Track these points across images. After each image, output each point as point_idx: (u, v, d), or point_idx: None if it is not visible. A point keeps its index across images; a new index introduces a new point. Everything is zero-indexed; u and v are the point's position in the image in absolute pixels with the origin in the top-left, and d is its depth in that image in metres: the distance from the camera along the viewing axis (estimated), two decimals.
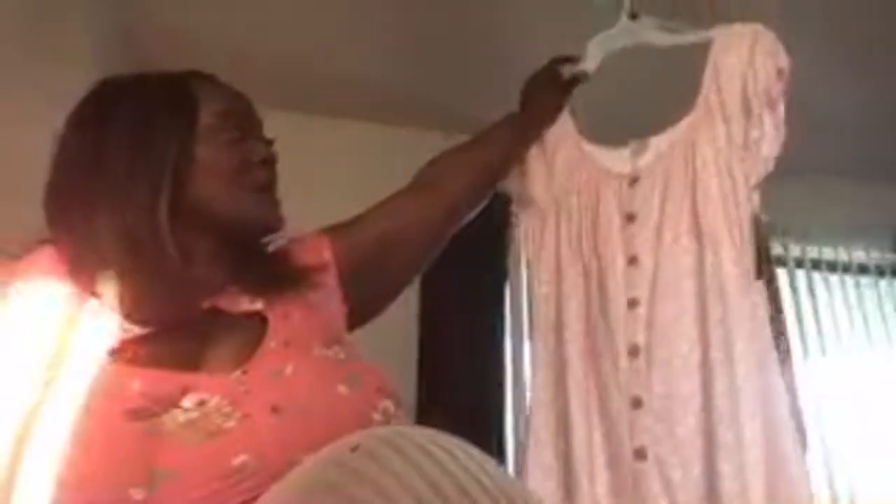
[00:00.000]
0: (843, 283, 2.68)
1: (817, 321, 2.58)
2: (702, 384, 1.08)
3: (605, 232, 1.20)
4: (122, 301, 0.80)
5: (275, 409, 0.74)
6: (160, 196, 0.83)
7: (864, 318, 2.64)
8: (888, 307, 2.69)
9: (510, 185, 1.32)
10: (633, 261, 1.17)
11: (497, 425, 2.10)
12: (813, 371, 2.46)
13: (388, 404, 0.79)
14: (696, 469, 1.05)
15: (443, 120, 2.25)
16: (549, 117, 1.31)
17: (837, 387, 2.47)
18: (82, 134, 0.89)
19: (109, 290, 0.81)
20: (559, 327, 1.21)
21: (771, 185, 2.47)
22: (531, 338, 1.28)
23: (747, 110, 1.16)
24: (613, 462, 1.11)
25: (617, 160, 1.25)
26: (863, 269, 2.72)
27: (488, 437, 2.00)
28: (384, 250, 1.05)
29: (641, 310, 1.14)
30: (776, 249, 2.56)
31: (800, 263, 2.65)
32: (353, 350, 0.87)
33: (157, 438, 0.70)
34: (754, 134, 1.15)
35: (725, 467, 1.03)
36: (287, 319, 0.86)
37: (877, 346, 2.62)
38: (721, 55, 1.19)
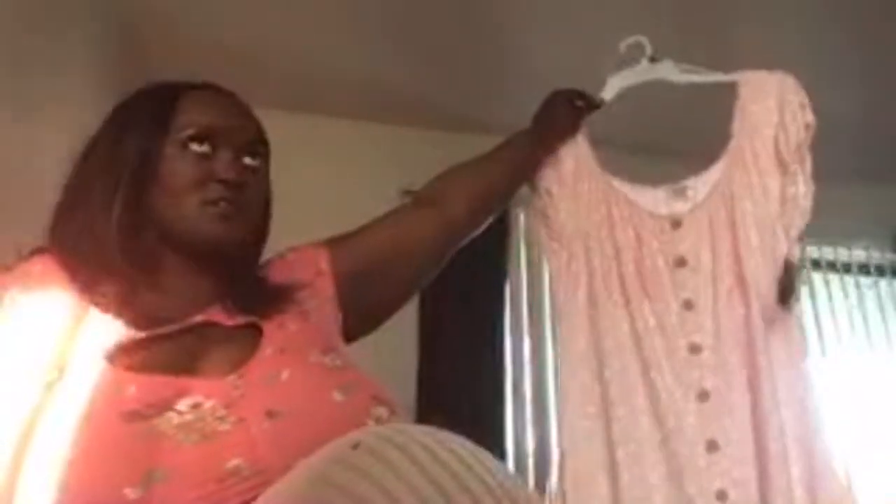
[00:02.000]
0: (843, 283, 2.68)
1: (817, 321, 2.58)
2: (753, 429, 1.11)
3: (651, 273, 1.20)
4: (112, 305, 0.81)
5: (270, 414, 0.74)
6: (114, 201, 0.85)
7: (865, 318, 2.64)
8: (888, 307, 2.70)
9: (536, 220, 1.31)
10: (687, 305, 1.18)
11: (497, 425, 2.11)
12: (813, 370, 2.45)
13: (381, 411, 0.79)
14: None
15: (443, 120, 2.25)
16: (561, 138, 1.29)
17: (837, 387, 2.47)
18: (86, 142, 0.92)
19: (103, 295, 0.82)
20: (597, 365, 1.19)
21: None
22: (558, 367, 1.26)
23: (782, 166, 1.19)
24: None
25: (653, 201, 1.25)
26: (863, 269, 2.72)
27: (488, 436, 2.00)
28: (383, 264, 1.04)
29: (706, 355, 1.15)
30: None
31: (800, 263, 2.65)
32: (349, 359, 0.87)
33: (152, 440, 0.71)
34: (791, 190, 1.20)
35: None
36: (282, 329, 0.86)
37: (877, 346, 2.62)
38: (750, 105, 1.22)
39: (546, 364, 2.23)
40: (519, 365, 2.24)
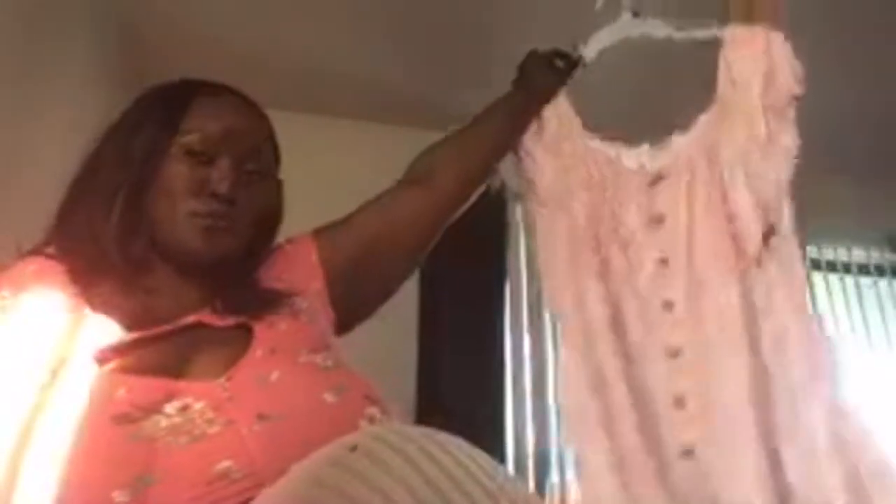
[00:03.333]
0: (842, 283, 2.68)
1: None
2: (749, 379, 1.08)
3: (629, 231, 1.20)
4: (106, 306, 0.82)
5: (260, 416, 0.74)
6: (116, 199, 0.85)
7: (864, 319, 2.64)
8: (888, 307, 2.69)
9: (511, 173, 1.30)
10: (663, 262, 1.17)
11: (497, 424, 2.10)
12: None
13: (374, 411, 0.79)
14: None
15: (443, 119, 2.25)
16: (545, 99, 1.28)
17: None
18: (96, 139, 0.92)
19: (98, 295, 0.82)
20: (581, 319, 1.19)
21: None
22: (535, 326, 1.28)
23: (768, 107, 1.17)
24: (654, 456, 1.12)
25: (634, 159, 1.24)
26: (863, 270, 2.72)
27: (487, 436, 2.00)
28: (374, 251, 1.04)
29: (678, 312, 1.14)
30: None
31: None
32: (341, 358, 0.87)
33: (140, 443, 0.70)
34: (775, 128, 1.16)
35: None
36: (273, 328, 0.86)
37: (876, 347, 2.62)
38: (734, 54, 1.20)
39: (546, 362, 2.23)
40: (519, 363, 2.24)
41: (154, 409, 0.73)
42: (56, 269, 0.84)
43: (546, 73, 1.27)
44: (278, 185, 0.99)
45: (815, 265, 2.66)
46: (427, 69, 2.18)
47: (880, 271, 2.73)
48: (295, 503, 0.59)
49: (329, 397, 0.78)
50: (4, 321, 0.80)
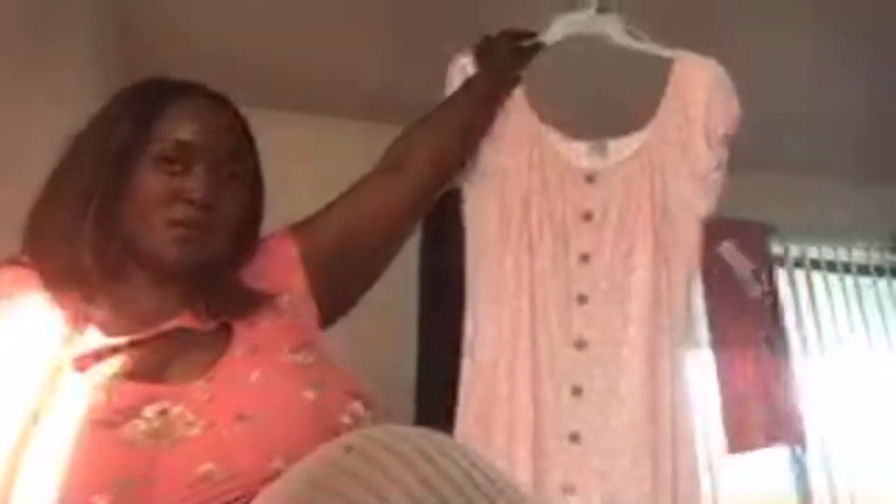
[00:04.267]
0: (842, 283, 2.68)
1: (817, 321, 2.58)
2: (641, 384, 1.15)
3: (557, 221, 1.23)
4: (83, 313, 0.80)
5: (240, 417, 0.73)
6: (89, 206, 0.84)
7: (864, 319, 2.64)
8: (888, 307, 2.69)
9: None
10: (584, 258, 1.21)
11: None
12: (813, 371, 2.45)
13: (356, 406, 0.78)
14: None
15: None
16: (511, 81, 1.28)
17: (837, 387, 2.47)
18: (69, 142, 0.91)
19: (74, 302, 0.81)
20: (498, 299, 1.23)
21: (771, 186, 2.47)
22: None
23: (709, 145, 1.21)
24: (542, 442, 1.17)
25: (574, 153, 1.27)
26: (862, 270, 2.71)
27: None
28: (352, 240, 1.02)
29: (589, 307, 1.19)
30: (776, 249, 2.57)
31: (799, 263, 2.65)
32: (323, 353, 0.86)
33: (119, 448, 0.70)
34: (712, 167, 1.21)
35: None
36: (254, 327, 0.85)
37: (876, 346, 2.62)
38: (684, 81, 1.24)
39: None
40: None
41: (133, 413, 0.72)
42: (31, 276, 0.83)
43: (505, 56, 1.28)
44: (258, 183, 0.97)
45: (815, 265, 2.66)
46: (427, 69, 2.18)
47: (880, 271, 2.73)
48: (290, 502, 0.59)
49: (309, 394, 0.77)
50: (8, 328, 0.80)
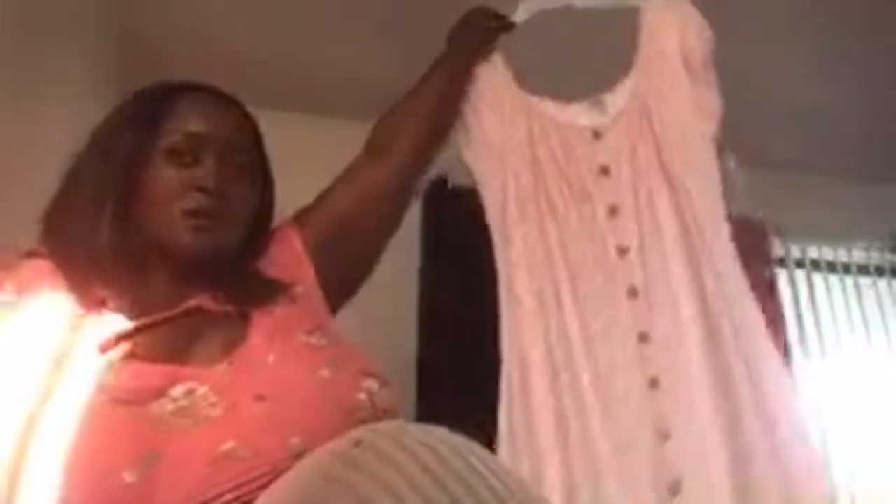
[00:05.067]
0: (842, 283, 2.68)
1: (817, 322, 2.58)
2: (696, 316, 1.16)
3: (576, 181, 1.25)
4: (104, 303, 0.83)
5: (259, 398, 0.76)
6: (104, 205, 0.86)
7: (864, 319, 2.64)
8: (888, 307, 2.69)
9: (458, 135, 1.32)
10: (613, 210, 1.23)
11: (496, 426, 2.10)
12: (813, 371, 2.45)
13: (371, 384, 0.80)
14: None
15: None
16: (478, 54, 1.32)
17: (837, 387, 2.47)
18: (82, 144, 0.93)
19: (95, 293, 0.84)
20: (536, 270, 1.24)
21: (771, 186, 2.48)
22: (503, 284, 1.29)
23: (691, 69, 1.26)
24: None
25: (574, 114, 1.30)
26: (863, 270, 2.71)
27: (486, 438, 1.99)
28: (349, 225, 1.05)
29: (632, 256, 1.21)
30: (776, 250, 2.57)
31: (800, 264, 2.65)
32: (336, 336, 0.89)
33: (147, 425, 0.72)
34: (701, 88, 1.25)
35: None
36: (269, 315, 0.87)
37: (876, 347, 2.62)
38: (655, 25, 1.29)
39: None
40: None
41: (160, 392, 0.75)
42: (51, 268, 0.86)
43: (476, 32, 1.32)
44: (269, 181, 1.00)
45: (815, 265, 2.66)
46: (424, 70, 2.18)
47: (880, 271, 2.73)
48: (300, 497, 0.60)
49: (325, 373, 0.79)
50: (9, 318, 0.82)
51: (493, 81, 1.31)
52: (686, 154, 1.22)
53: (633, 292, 1.19)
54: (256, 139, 0.98)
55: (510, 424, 1.20)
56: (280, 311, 0.88)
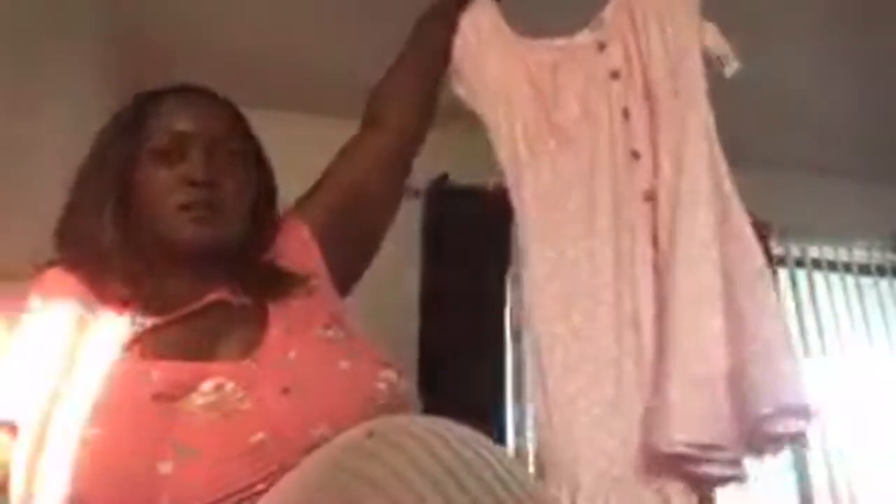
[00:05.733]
0: (843, 282, 2.67)
1: (818, 321, 2.58)
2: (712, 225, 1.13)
3: (590, 89, 1.25)
4: (121, 302, 0.86)
5: (284, 391, 0.78)
6: (104, 209, 0.89)
7: (865, 318, 2.64)
8: (889, 307, 2.69)
9: (458, 75, 1.31)
10: (626, 113, 1.23)
11: (497, 424, 2.11)
12: (813, 371, 2.45)
13: (389, 374, 0.83)
14: None
15: (444, 119, 2.25)
16: (464, 7, 1.30)
17: (838, 386, 2.47)
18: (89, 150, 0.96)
19: (112, 293, 0.86)
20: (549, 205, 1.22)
21: (772, 185, 2.47)
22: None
23: None
24: None
25: (576, 38, 1.31)
26: (864, 269, 2.71)
27: (489, 435, 1.99)
28: (353, 200, 1.06)
29: (644, 160, 1.21)
30: (777, 249, 2.57)
31: (801, 263, 2.65)
32: (352, 328, 0.91)
33: (179, 419, 0.75)
34: None
35: None
36: (286, 308, 0.89)
37: (877, 346, 2.62)
38: None
39: None
40: (519, 362, 2.23)
41: (190, 388, 0.77)
42: (70, 278, 0.88)
43: None
44: (264, 165, 1.00)
45: (816, 265, 2.66)
46: None
47: (881, 271, 2.73)
48: (314, 486, 0.61)
49: (344, 365, 0.82)
50: (37, 324, 0.86)
51: (484, 22, 1.30)
52: (668, 50, 1.22)
53: (648, 196, 1.18)
54: (243, 127, 0.99)
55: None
56: (297, 304, 0.91)
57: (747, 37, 2.06)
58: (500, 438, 2.08)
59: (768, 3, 2.01)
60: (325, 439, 0.72)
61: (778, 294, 2.41)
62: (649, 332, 1.11)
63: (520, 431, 2.15)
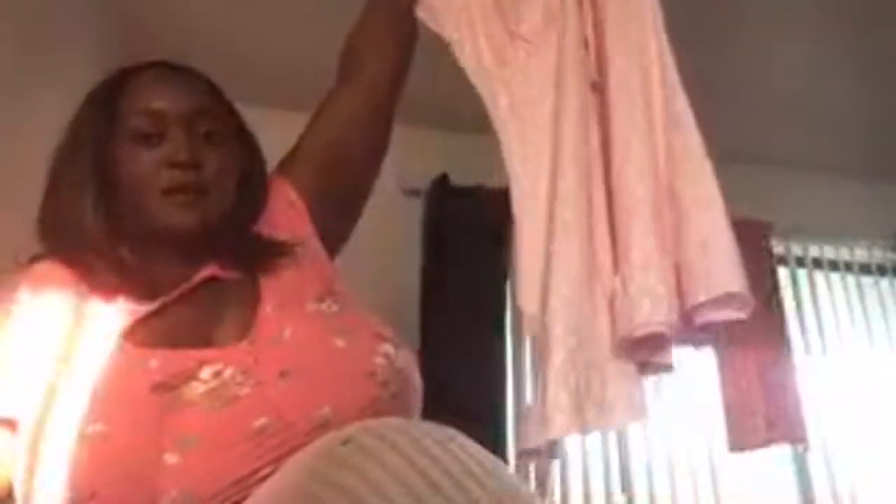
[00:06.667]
0: (844, 282, 2.67)
1: (819, 320, 2.58)
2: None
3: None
4: (111, 288, 0.84)
5: (283, 374, 0.77)
6: (84, 195, 0.86)
7: (866, 317, 2.64)
8: (890, 306, 2.69)
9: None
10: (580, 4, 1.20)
11: (497, 424, 2.11)
12: (814, 370, 2.45)
13: (387, 348, 0.81)
14: None
15: (447, 119, 2.25)
16: None
17: (838, 386, 2.47)
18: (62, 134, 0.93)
19: (101, 280, 0.85)
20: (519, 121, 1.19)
21: (773, 184, 2.48)
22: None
23: None
24: None
25: None
26: (864, 269, 2.71)
27: (488, 436, 2.00)
28: (337, 156, 1.04)
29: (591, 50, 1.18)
30: (778, 248, 2.56)
31: (801, 262, 2.65)
32: (347, 299, 0.88)
33: (181, 408, 0.74)
34: None
35: None
36: (278, 279, 0.88)
37: (878, 346, 2.62)
38: None
39: None
40: (520, 362, 2.24)
41: (189, 376, 0.76)
42: (58, 269, 0.87)
43: None
44: (248, 138, 0.97)
45: (817, 264, 2.66)
46: (427, 69, 2.18)
47: (882, 270, 2.73)
48: (289, 495, 0.61)
49: (340, 343, 0.80)
50: (24, 316, 0.84)
51: None
52: None
53: (595, 87, 1.15)
54: (225, 105, 0.95)
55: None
56: (288, 275, 0.89)
57: (749, 35, 2.07)
58: (500, 438, 2.09)
59: (769, 2, 2.01)
60: (328, 420, 0.73)
61: (779, 294, 2.45)
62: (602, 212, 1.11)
63: (521, 441, 2.15)
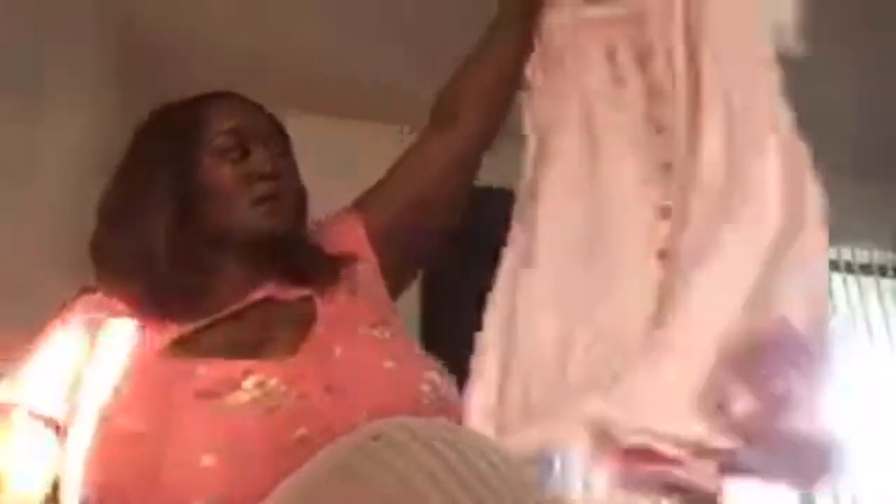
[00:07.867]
0: (845, 282, 2.68)
1: None
2: None
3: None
4: (164, 314, 0.87)
5: (328, 388, 0.79)
6: (160, 223, 0.90)
7: (867, 318, 2.64)
8: (890, 307, 2.69)
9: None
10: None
11: None
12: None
13: (433, 375, 0.84)
14: None
15: None
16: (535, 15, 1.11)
17: (838, 386, 2.47)
18: (116, 169, 0.98)
19: (157, 306, 0.87)
20: None
21: None
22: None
23: None
24: None
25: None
26: (865, 269, 2.71)
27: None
28: (419, 207, 1.05)
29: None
30: None
31: None
32: (398, 329, 0.92)
33: (224, 414, 0.76)
34: None
35: None
36: (333, 304, 0.91)
37: (879, 346, 2.62)
38: None
39: None
40: None
41: (234, 385, 0.78)
42: (109, 301, 0.90)
43: None
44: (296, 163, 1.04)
45: None
46: (427, 69, 2.17)
47: (882, 271, 2.73)
48: (318, 488, 0.61)
49: (390, 364, 0.83)
50: (83, 342, 0.87)
51: None
52: None
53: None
54: (281, 126, 1.02)
55: None
56: (343, 298, 0.92)
57: None
58: None
59: None
60: None
61: None
62: None
63: None
